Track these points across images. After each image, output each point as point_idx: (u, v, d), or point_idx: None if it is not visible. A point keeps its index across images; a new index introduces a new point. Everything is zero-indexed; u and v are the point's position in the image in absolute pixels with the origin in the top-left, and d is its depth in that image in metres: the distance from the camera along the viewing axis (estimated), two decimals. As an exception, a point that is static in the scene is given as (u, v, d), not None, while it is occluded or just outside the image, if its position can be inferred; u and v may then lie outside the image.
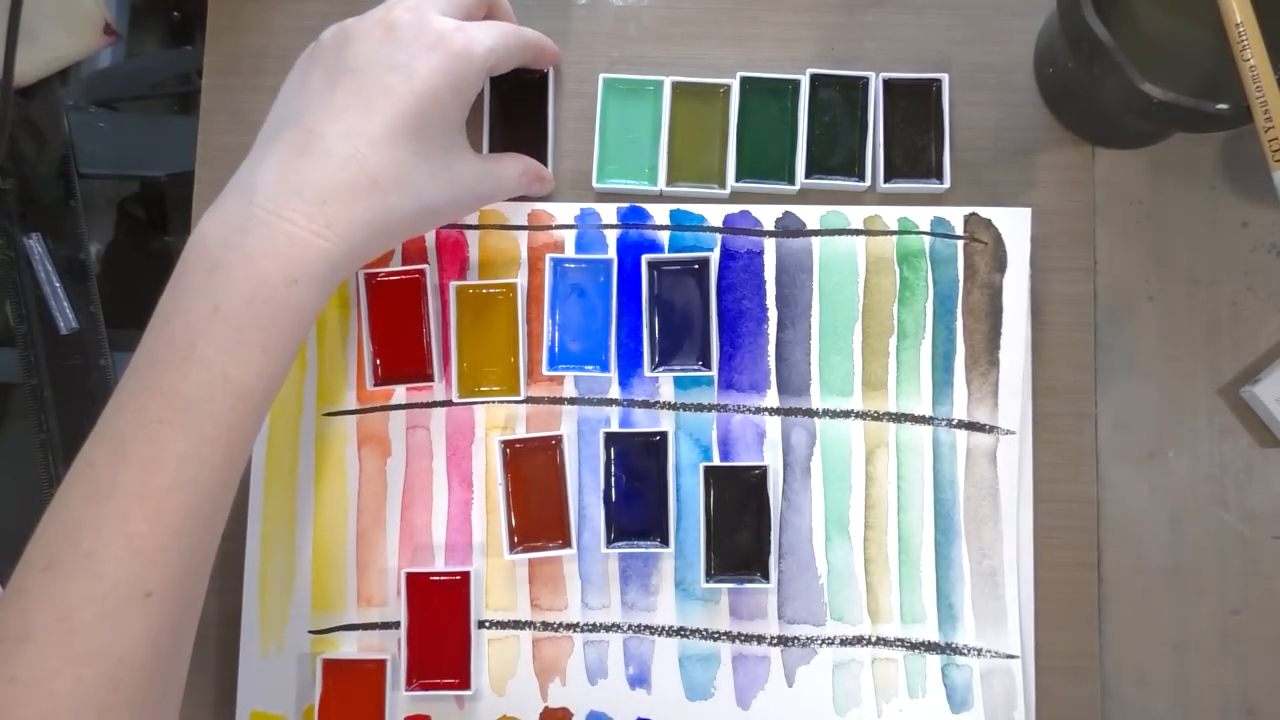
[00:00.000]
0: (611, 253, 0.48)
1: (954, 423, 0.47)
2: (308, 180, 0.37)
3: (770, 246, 0.48)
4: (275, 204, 0.36)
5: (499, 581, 0.47)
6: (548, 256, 0.48)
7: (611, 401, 0.48)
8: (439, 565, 0.47)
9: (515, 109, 0.49)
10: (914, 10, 0.50)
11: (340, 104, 0.38)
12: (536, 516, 0.47)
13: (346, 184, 0.37)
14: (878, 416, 0.47)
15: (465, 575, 0.46)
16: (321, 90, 0.39)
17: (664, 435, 0.47)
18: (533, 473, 0.47)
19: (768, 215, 0.48)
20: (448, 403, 0.48)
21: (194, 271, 0.36)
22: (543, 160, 0.48)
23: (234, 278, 0.36)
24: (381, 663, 0.46)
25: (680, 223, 0.48)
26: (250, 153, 0.40)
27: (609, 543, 0.46)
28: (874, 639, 0.46)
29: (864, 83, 0.48)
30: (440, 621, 0.46)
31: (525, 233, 0.49)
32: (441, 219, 0.43)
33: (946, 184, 0.48)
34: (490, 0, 0.45)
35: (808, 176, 0.48)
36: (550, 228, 0.49)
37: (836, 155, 0.48)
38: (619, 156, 0.49)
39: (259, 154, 0.39)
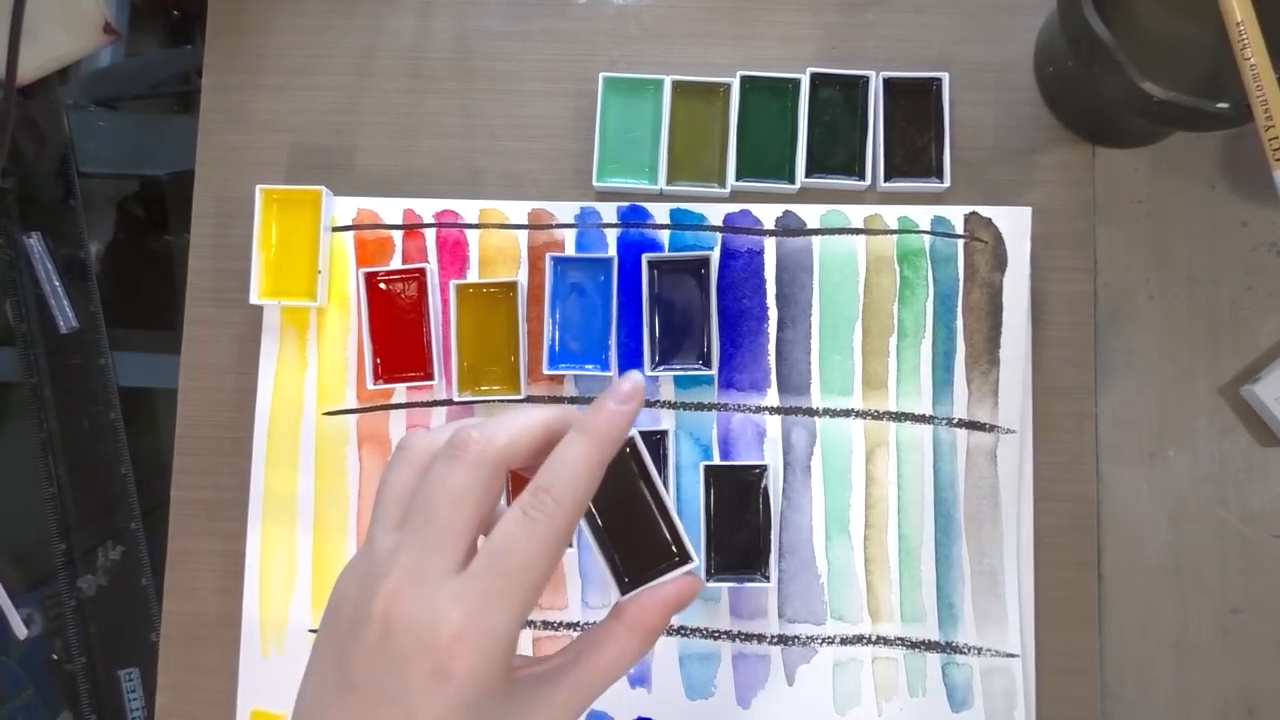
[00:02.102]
0: (612, 252, 0.48)
1: (954, 422, 0.47)
2: None
3: (770, 246, 0.48)
4: None
5: (499, 581, 0.47)
6: (548, 255, 0.48)
7: (611, 401, 0.48)
8: (439, 565, 0.47)
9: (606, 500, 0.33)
10: (914, 9, 0.50)
11: None
12: (536, 516, 0.46)
13: None
14: (878, 416, 0.47)
15: (465, 574, 0.46)
16: (332, 694, 0.31)
17: (664, 434, 0.47)
18: (533, 472, 0.47)
19: (768, 214, 0.48)
20: (448, 402, 0.48)
21: None
22: (675, 536, 0.32)
23: None
24: (381, 662, 0.46)
25: (680, 222, 0.48)
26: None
27: (609, 542, 0.46)
28: (874, 638, 0.46)
29: (864, 82, 0.48)
30: (440, 621, 0.46)
31: (525, 232, 0.49)
32: None
33: (946, 183, 0.48)
34: (536, 442, 0.33)
35: (808, 175, 0.48)
36: (550, 227, 0.49)
37: (837, 154, 0.48)
38: (619, 155, 0.49)
39: None
